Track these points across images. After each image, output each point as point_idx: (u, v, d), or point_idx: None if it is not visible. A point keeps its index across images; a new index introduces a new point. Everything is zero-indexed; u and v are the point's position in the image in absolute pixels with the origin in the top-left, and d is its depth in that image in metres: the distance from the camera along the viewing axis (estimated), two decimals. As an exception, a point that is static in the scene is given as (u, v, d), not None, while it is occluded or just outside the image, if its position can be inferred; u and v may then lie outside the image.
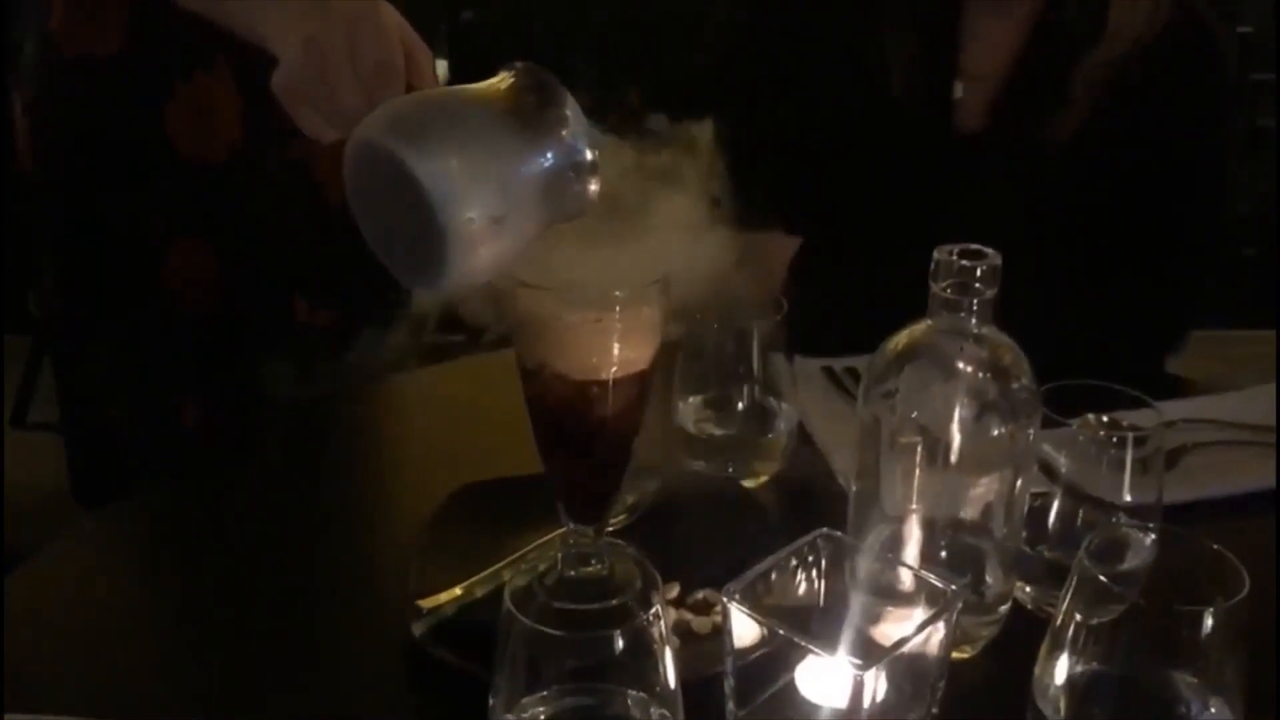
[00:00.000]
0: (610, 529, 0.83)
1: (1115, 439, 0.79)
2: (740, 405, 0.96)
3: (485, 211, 0.60)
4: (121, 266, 1.03)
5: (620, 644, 0.58)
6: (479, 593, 0.79)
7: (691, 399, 0.96)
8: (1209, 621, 0.59)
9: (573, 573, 0.77)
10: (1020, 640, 0.78)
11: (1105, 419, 0.81)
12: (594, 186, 0.65)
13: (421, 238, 0.60)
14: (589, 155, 0.64)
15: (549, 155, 0.63)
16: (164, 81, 1.00)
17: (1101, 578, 0.61)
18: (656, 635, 0.58)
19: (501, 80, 0.65)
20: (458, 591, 0.79)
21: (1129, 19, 1.14)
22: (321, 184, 1.11)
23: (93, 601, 0.83)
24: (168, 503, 0.95)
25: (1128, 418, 0.81)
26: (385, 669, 0.76)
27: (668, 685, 0.59)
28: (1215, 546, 0.62)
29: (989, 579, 0.77)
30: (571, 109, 0.64)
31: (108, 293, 1.07)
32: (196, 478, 0.98)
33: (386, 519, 0.88)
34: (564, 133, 0.63)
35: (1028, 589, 0.81)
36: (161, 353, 1.05)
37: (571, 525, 0.79)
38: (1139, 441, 0.78)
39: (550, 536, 0.83)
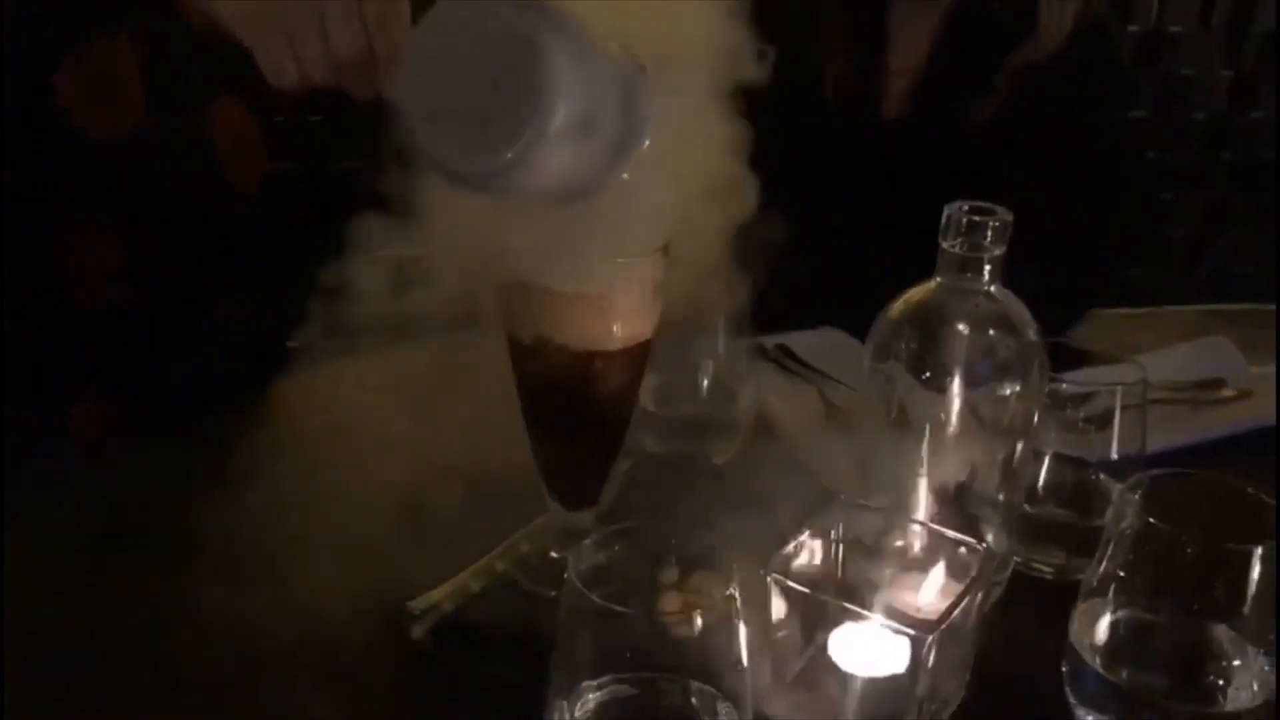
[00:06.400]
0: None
1: (1097, 393, 0.80)
2: (704, 382, 0.93)
3: (573, 112, 0.58)
4: (11, 257, 0.90)
5: (692, 630, 0.54)
6: (475, 587, 0.73)
7: (649, 376, 0.93)
8: (1257, 562, 0.59)
9: (558, 554, 0.73)
10: (1023, 599, 0.79)
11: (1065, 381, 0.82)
12: (632, 153, 0.64)
13: (497, 119, 0.57)
14: (648, 116, 0.63)
15: (633, 96, 0.61)
16: (55, 50, 0.88)
17: (1151, 520, 0.60)
18: (728, 622, 0.54)
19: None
20: (449, 588, 0.73)
21: (1057, 21, 1.21)
22: (224, 164, 1.02)
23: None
24: (83, 512, 0.84)
25: (1098, 374, 0.83)
26: (385, 678, 0.69)
27: (738, 675, 0.55)
28: (1249, 489, 0.63)
29: (989, 540, 0.77)
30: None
31: None
32: (99, 481, 0.87)
33: (354, 515, 0.80)
34: (645, 85, 0.63)
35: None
36: (58, 351, 0.93)
37: (561, 510, 0.75)
38: (1125, 394, 0.79)
39: (538, 522, 0.78)
